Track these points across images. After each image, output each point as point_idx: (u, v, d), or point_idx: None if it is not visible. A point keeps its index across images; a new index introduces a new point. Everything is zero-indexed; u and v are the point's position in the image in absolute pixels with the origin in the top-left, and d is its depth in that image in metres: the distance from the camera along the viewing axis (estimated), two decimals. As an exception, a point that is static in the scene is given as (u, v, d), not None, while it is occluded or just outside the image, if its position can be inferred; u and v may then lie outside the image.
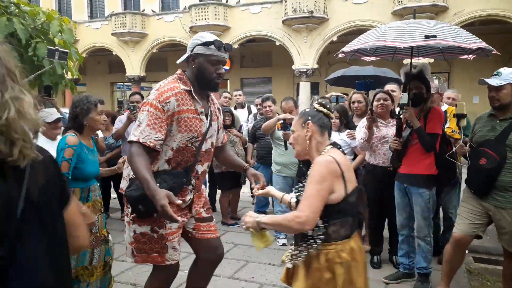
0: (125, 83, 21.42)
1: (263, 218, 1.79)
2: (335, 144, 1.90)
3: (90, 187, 2.83)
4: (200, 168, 2.33)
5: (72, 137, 2.74)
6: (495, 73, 2.85)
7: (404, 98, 3.32)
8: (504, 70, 2.82)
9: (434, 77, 4.68)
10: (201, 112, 2.24)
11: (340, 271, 1.73)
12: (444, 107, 4.07)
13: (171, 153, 2.20)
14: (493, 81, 2.79)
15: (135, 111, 4.64)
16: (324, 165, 1.75)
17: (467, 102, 4.60)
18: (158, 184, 1.95)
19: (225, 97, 6.08)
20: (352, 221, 1.81)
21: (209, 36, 2.20)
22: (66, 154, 2.66)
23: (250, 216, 1.82)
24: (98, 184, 2.97)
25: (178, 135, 2.18)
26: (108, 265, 2.86)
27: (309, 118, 1.89)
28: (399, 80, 5.58)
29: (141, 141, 2.06)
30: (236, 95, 6.45)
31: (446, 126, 3.79)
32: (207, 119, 2.28)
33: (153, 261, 2.30)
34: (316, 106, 1.91)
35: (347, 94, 6.12)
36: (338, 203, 1.75)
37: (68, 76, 5.90)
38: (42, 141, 3.32)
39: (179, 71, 2.29)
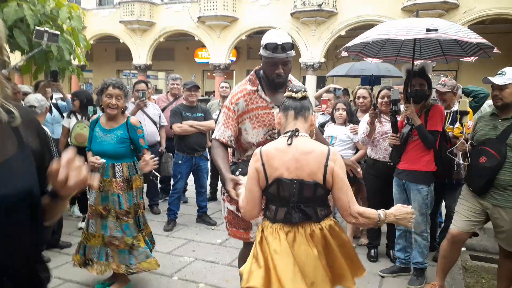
0: (131, 71, 21.48)
1: None
2: (295, 131, 1.86)
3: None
4: None
5: (95, 115, 3.15)
6: (499, 72, 2.85)
7: (395, 93, 3.35)
8: (508, 70, 2.81)
9: (442, 75, 4.66)
10: (273, 107, 2.40)
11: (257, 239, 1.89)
12: (456, 106, 4.07)
13: (255, 148, 2.35)
14: (497, 80, 2.80)
15: (143, 98, 4.70)
16: (252, 158, 1.91)
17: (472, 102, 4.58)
18: (240, 169, 2.38)
19: (222, 87, 5.97)
20: (275, 209, 1.85)
21: (267, 38, 2.29)
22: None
23: None
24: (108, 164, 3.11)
25: (254, 131, 2.42)
26: (105, 238, 3.03)
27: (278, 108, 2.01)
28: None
29: (217, 138, 2.42)
30: (223, 87, 5.98)
31: (455, 126, 3.80)
32: None
33: (240, 237, 2.52)
34: (285, 94, 1.97)
35: (346, 89, 6.06)
36: (263, 190, 1.88)
37: (75, 62, 5.94)
38: None
39: (252, 71, 2.49)
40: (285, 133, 1.89)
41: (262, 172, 1.83)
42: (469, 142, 3.07)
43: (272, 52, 2.27)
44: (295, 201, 1.80)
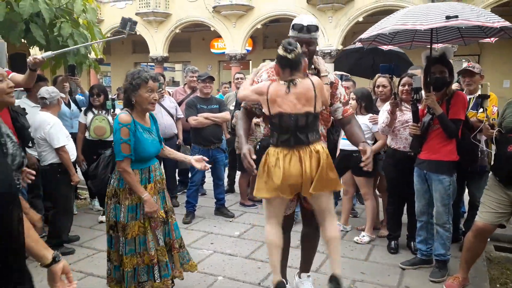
0: (148, 63, 21.59)
1: None
2: (292, 81, 2.37)
3: (150, 167, 2.69)
4: None
5: (124, 115, 2.58)
6: None
7: (417, 81, 3.24)
8: None
9: (463, 60, 4.50)
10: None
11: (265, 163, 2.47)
12: (480, 91, 3.93)
13: None
14: None
15: (161, 89, 4.69)
16: (261, 83, 2.56)
17: (497, 86, 4.43)
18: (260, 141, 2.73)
19: (237, 78, 5.84)
20: (277, 136, 2.43)
21: (297, 19, 2.60)
22: (123, 135, 2.52)
23: None
24: (158, 162, 2.86)
25: None
26: (168, 245, 2.80)
27: (275, 61, 2.45)
28: (408, 61, 5.41)
29: (243, 106, 2.77)
30: (237, 78, 5.83)
31: (480, 111, 3.67)
32: None
33: None
34: (280, 53, 2.36)
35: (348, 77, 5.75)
36: (267, 117, 2.50)
37: (92, 56, 5.97)
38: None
39: None
40: (285, 81, 2.39)
41: (266, 104, 2.41)
42: (496, 128, 2.94)
43: (298, 32, 2.54)
44: (292, 130, 2.36)
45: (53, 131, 3.73)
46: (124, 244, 2.62)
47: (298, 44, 2.38)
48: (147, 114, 2.77)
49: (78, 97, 5.61)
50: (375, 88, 4.36)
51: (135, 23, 4.18)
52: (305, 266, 2.99)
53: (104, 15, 19.37)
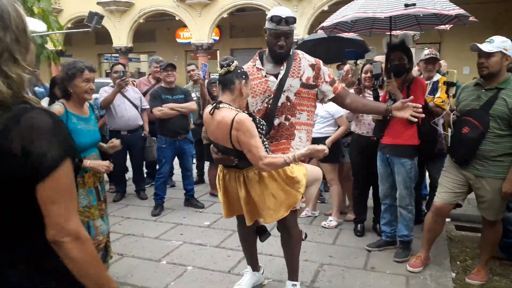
0: (112, 54, 20.98)
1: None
2: (218, 103, 2.34)
3: (86, 157, 2.68)
4: (276, 121, 2.58)
5: (57, 107, 2.61)
6: (488, 40, 2.80)
7: (377, 67, 3.31)
8: (497, 38, 2.77)
9: (426, 48, 4.64)
10: (266, 75, 2.59)
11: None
12: (436, 76, 4.07)
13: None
14: (485, 47, 2.76)
15: (124, 77, 4.57)
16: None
17: (457, 73, 4.60)
18: None
19: (189, 71, 5.20)
20: None
21: (273, 11, 2.50)
22: None
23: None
24: (98, 153, 2.83)
25: (252, 100, 2.59)
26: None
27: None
28: (364, 46, 5.54)
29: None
30: (189, 71, 5.17)
31: (436, 96, 3.81)
32: (277, 78, 2.58)
33: None
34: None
35: None
36: None
37: (51, 47, 5.74)
38: None
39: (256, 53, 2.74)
40: (213, 103, 2.38)
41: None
42: (453, 112, 3.05)
43: (277, 24, 2.46)
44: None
45: None
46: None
47: (235, 62, 2.33)
48: (86, 104, 2.80)
49: (38, 89, 5.39)
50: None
51: (101, 17, 4.06)
52: (288, 271, 2.83)
53: (64, 5, 18.61)
